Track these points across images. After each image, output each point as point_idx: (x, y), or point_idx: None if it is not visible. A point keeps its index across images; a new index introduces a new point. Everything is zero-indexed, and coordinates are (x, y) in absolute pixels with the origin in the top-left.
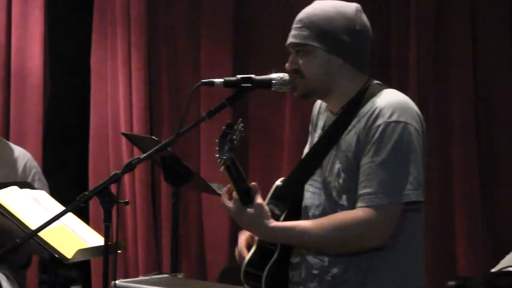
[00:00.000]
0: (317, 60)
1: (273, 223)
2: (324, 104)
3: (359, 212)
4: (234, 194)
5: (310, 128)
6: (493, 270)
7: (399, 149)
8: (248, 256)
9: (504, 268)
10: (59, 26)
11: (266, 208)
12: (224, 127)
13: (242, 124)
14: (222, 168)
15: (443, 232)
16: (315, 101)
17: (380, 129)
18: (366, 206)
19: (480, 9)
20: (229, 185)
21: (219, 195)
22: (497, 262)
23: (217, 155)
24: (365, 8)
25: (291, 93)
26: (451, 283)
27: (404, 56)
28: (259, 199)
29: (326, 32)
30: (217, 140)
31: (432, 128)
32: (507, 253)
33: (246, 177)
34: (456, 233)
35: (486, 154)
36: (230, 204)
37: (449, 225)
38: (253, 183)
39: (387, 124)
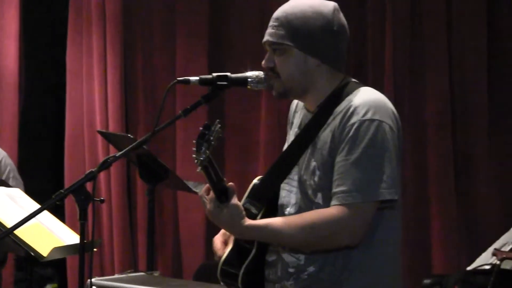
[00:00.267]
0: (293, 60)
1: (248, 222)
2: (301, 103)
3: (333, 210)
4: (211, 193)
5: (288, 127)
6: (468, 268)
7: (373, 147)
8: (224, 254)
9: (479, 266)
10: (35, 24)
11: (241, 207)
12: (201, 128)
13: (219, 125)
14: (199, 169)
15: (419, 231)
16: (291, 100)
17: (354, 127)
18: (339, 204)
19: (455, 9)
20: (208, 184)
21: (195, 193)
22: (472, 261)
23: (194, 156)
24: (341, 7)
25: (267, 92)
26: (427, 281)
27: (380, 55)
28: (234, 199)
29: (303, 32)
30: (194, 141)
31: (407, 127)
32: (483, 251)
33: (223, 176)
34: (431, 232)
35: (462, 153)
36: (207, 198)
37: (424, 223)
38: (230, 183)
39: (362, 122)
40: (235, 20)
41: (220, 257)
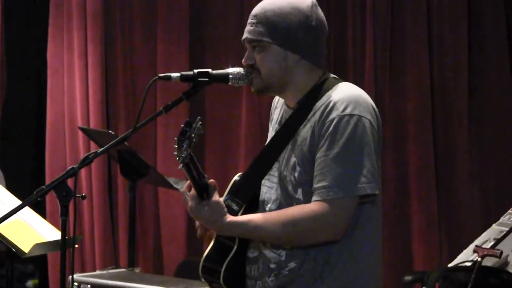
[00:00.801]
0: (273, 56)
1: (229, 218)
2: (282, 99)
3: (313, 206)
4: (192, 190)
5: (269, 123)
6: (449, 265)
7: (353, 143)
8: (206, 251)
9: (460, 263)
10: (15, 20)
11: (222, 204)
12: (182, 125)
13: (200, 122)
14: (181, 166)
15: (400, 227)
16: (272, 96)
17: (334, 122)
18: (320, 200)
19: (435, 4)
20: (189, 181)
21: (176, 189)
22: (453, 257)
23: (176, 153)
24: (322, 2)
25: (247, 88)
26: (408, 278)
27: (360, 51)
28: (215, 196)
29: (281, 28)
30: (175, 138)
31: (388, 123)
32: (464, 248)
33: (204, 172)
34: (412, 228)
35: (442, 149)
36: (189, 195)
37: (405, 220)
38: (211, 180)
39: (341, 117)
40: (216, 17)
41: (200, 235)
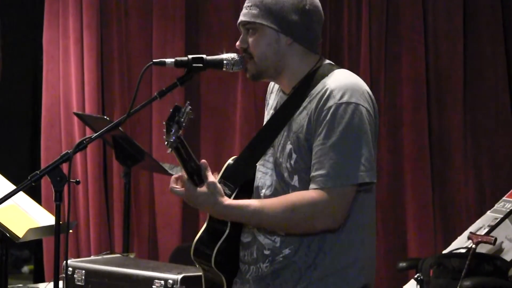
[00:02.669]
0: (265, 38)
1: (227, 201)
2: (277, 85)
3: (312, 194)
4: (183, 176)
5: (265, 109)
6: (444, 252)
7: (350, 131)
8: (198, 233)
9: (455, 250)
10: (11, 6)
11: (219, 185)
12: (171, 110)
13: (190, 107)
14: (169, 151)
15: (395, 215)
16: (267, 82)
17: (331, 110)
18: (319, 188)
19: None
20: (176, 175)
21: (171, 175)
22: (448, 244)
23: (165, 137)
24: None
25: (243, 74)
26: (402, 264)
27: (356, 39)
28: (210, 177)
29: (275, 10)
30: (164, 123)
31: (383, 111)
32: (458, 235)
33: (198, 158)
34: (407, 216)
35: (437, 136)
36: (178, 187)
37: (400, 207)
38: (202, 160)
39: (338, 105)
40: (212, 3)
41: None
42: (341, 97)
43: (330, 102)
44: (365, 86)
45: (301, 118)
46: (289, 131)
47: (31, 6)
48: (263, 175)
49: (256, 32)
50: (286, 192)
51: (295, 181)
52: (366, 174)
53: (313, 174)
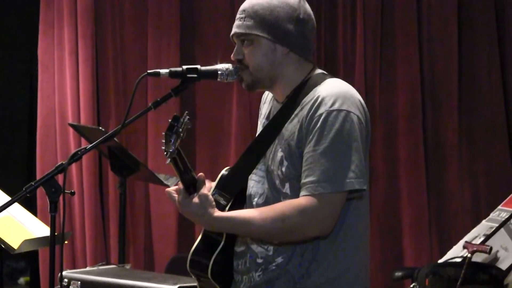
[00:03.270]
0: (262, 49)
1: (217, 212)
2: (271, 94)
3: (302, 201)
4: (180, 185)
5: (259, 118)
6: (439, 261)
7: (341, 138)
8: (194, 245)
9: (450, 259)
10: (6, 16)
11: (211, 198)
12: (170, 120)
13: (188, 117)
14: (168, 161)
15: (390, 223)
16: (263, 92)
17: (322, 118)
18: (308, 195)
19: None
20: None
21: (166, 185)
22: (443, 253)
23: (163, 148)
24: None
25: (238, 84)
26: (398, 273)
27: (350, 47)
28: (204, 189)
29: (270, 21)
30: (163, 133)
31: (378, 119)
32: (454, 244)
33: (194, 168)
34: (402, 224)
35: (432, 145)
36: (175, 194)
37: (395, 215)
38: (200, 173)
39: (329, 112)
40: (207, 13)
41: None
42: (332, 104)
43: (321, 109)
44: (356, 94)
45: (292, 126)
46: (280, 139)
47: (26, 16)
48: (256, 183)
49: (252, 43)
50: (277, 200)
51: (287, 188)
52: (356, 181)
53: (303, 181)
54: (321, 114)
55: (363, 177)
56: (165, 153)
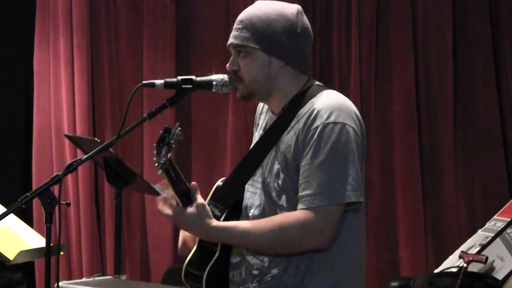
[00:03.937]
0: (257, 62)
1: (214, 222)
2: (266, 105)
3: (299, 214)
4: (171, 197)
5: (254, 129)
6: (435, 271)
7: (337, 150)
8: (189, 255)
9: (446, 269)
10: (1, 27)
11: (207, 207)
12: (161, 131)
13: (179, 128)
14: (160, 172)
15: (386, 233)
16: (257, 102)
17: (318, 130)
18: (306, 208)
19: (421, 10)
20: (162, 196)
21: None
22: (439, 263)
23: (155, 159)
24: (308, 8)
25: (234, 94)
26: (394, 283)
27: (346, 58)
28: (199, 199)
29: (266, 34)
30: (154, 144)
31: (374, 129)
32: (450, 254)
33: (189, 179)
34: (398, 234)
35: (428, 154)
36: (167, 209)
37: (391, 226)
38: (193, 182)
39: (325, 125)
40: (202, 23)
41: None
42: (328, 117)
43: (317, 122)
44: (352, 107)
45: (288, 138)
46: (277, 151)
47: (21, 28)
48: (252, 195)
49: (248, 55)
50: (274, 212)
51: (283, 201)
52: (352, 193)
53: (300, 194)
54: (317, 127)
55: (359, 189)
56: (156, 164)
